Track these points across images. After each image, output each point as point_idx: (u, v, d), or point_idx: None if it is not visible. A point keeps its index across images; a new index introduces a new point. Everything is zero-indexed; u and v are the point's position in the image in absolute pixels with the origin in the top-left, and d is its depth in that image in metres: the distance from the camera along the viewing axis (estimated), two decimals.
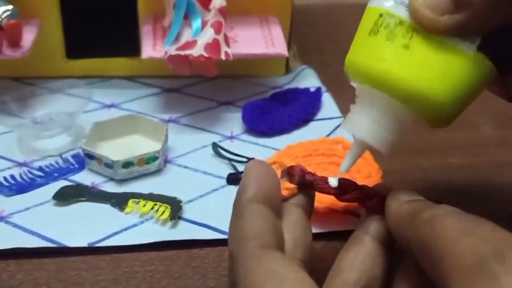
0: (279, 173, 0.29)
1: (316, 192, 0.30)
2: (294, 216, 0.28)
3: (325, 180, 0.29)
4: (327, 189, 0.29)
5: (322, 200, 0.34)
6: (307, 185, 0.29)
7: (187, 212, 0.37)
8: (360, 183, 0.31)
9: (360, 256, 0.26)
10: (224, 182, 0.40)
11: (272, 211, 0.26)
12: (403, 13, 0.26)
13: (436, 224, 0.22)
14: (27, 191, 0.38)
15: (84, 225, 0.35)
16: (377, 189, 0.29)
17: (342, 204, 0.33)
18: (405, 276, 0.26)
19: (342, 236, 0.35)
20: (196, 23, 0.44)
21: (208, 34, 0.42)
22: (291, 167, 0.29)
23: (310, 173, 0.29)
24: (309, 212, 0.29)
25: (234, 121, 0.47)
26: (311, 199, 0.30)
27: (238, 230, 0.25)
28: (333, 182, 0.29)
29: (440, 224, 0.22)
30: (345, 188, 0.29)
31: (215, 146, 0.43)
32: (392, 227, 0.26)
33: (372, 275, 0.26)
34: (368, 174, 0.39)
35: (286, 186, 0.29)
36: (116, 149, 0.41)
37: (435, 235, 0.22)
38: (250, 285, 0.22)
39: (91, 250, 0.34)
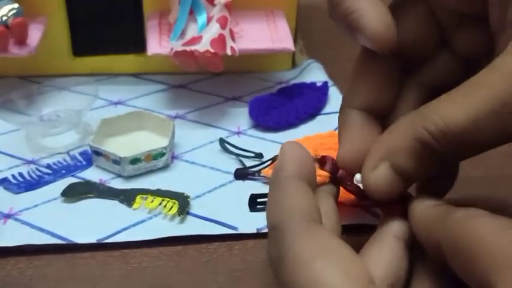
0: None
1: None
2: (328, 202, 0.28)
3: (352, 179, 0.29)
4: (354, 189, 0.29)
5: None
6: (339, 179, 0.29)
7: (195, 207, 0.37)
8: None
9: (386, 255, 0.26)
10: (232, 177, 0.40)
11: (312, 190, 0.26)
12: None
13: (470, 223, 0.22)
14: (35, 189, 0.38)
15: (92, 222, 0.35)
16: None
17: (350, 197, 0.33)
18: (425, 279, 0.26)
19: (350, 230, 0.35)
20: (202, 18, 0.44)
21: (214, 29, 0.42)
22: (324, 156, 0.29)
23: (343, 168, 0.30)
24: (336, 204, 0.29)
25: (240, 116, 0.47)
26: (338, 192, 0.30)
27: (282, 203, 0.25)
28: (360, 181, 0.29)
29: (474, 223, 0.22)
30: None
31: (222, 141, 0.43)
32: (418, 229, 0.26)
33: (397, 275, 0.25)
34: None
35: (319, 173, 0.29)
36: (123, 146, 0.41)
37: (470, 234, 0.21)
38: (298, 258, 0.22)
39: (100, 246, 0.34)
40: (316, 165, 0.29)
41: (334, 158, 0.29)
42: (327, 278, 0.21)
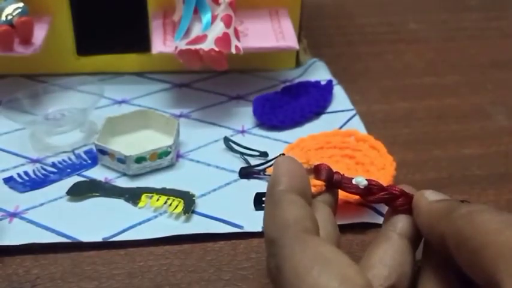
0: None
1: None
2: (324, 212, 0.28)
3: (351, 180, 0.30)
4: (354, 189, 0.29)
5: None
6: (334, 184, 0.30)
7: (201, 206, 0.37)
8: (374, 176, 0.31)
9: (390, 252, 0.26)
10: (236, 175, 0.40)
11: (307, 202, 0.26)
12: None
13: (475, 218, 0.22)
14: (41, 187, 0.38)
15: (98, 220, 0.35)
16: (403, 189, 0.29)
17: (356, 196, 0.33)
18: (432, 275, 0.26)
19: (357, 229, 0.35)
20: (206, 17, 0.44)
21: (218, 28, 0.42)
22: (318, 165, 0.30)
23: (337, 172, 0.30)
24: (334, 211, 0.30)
25: (245, 115, 0.47)
26: (336, 198, 0.30)
27: (278, 217, 0.25)
28: (361, 182, 0.29)
29: (479, 218, 0.22)
30: (372, 189, 0.29)
31: (227, 140, 0.43)
32: (423, 224, 0.26)
33: (401, 271, 0.26)
34: (382, 166, 0.38)
35: (314, 183, 0.29)
36: (129, 144, 0.41)
37: (475, 227, 0.22)
38: (296, 267, 0.23)
39: (106, 245, 0.34)
40: (311, 176, 0.29)
41: (328, 165, 0.30)
42: (324, 284, 0.21)
